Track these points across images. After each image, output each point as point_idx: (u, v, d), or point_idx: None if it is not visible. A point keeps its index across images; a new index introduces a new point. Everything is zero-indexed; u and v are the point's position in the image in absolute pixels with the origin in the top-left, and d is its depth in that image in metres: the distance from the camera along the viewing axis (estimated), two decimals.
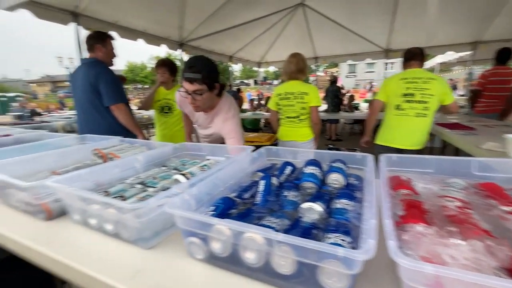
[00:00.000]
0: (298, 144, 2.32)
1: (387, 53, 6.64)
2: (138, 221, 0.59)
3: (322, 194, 0.71)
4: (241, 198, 0.71)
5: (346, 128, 7.60)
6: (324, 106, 8.03)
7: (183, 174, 0.80)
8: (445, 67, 10.81)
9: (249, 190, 0.77)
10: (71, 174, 0.80)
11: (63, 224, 0.77)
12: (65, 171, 1.05)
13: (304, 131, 2.31)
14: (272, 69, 11.72)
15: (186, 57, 5.43)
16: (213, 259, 0.57)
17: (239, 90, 8.11)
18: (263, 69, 9.07)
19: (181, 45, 5.10)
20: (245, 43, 6.48)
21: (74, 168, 1.08)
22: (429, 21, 2.87)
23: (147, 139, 1.92)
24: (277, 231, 0.56)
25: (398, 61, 2.49)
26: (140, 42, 4.21)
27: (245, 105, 8.50)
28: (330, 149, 3.93)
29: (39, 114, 8.78)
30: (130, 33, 4.05)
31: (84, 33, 3.56)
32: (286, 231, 0.55)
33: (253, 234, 0.49)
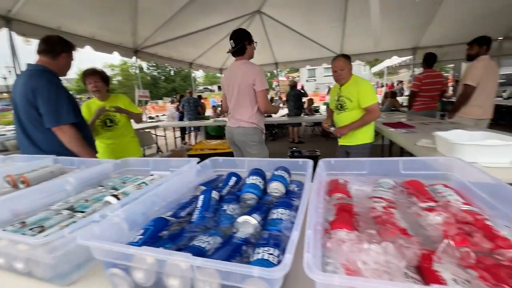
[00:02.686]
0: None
1: None
2: (51, 257, 0.52)
3: (261, 205, 0.70)
4: (177, 217, 0.68)
5: (308, 131, 7.89)
6: (285, 110, 8.24)
7: (115, 195, 0.74)
8: (393, 70, 12.11)
9: (187, 207, 0.73)
10: None
11: None
12: None
13: None
14: None
15: (144, 64, 5.18)
16: None
17: (200, 97, 7.95)
18: None
19: (136, 52, 4.86)
20: (205, 49, 6.40)
21: None
22: (374, 28, 3.11)
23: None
24: (207, 250, 0.54)
25: (353, 65, 2.60)
26: (88, 49, 3.93)
27: (208, 112, 8.36)
28: (293, 151, 4.03)
29: None
30: (75, 39, 3.73)
31: (19, 39, 3.23)
32: (217, 250, 0.53)
33: (174, 260, 0.46)
